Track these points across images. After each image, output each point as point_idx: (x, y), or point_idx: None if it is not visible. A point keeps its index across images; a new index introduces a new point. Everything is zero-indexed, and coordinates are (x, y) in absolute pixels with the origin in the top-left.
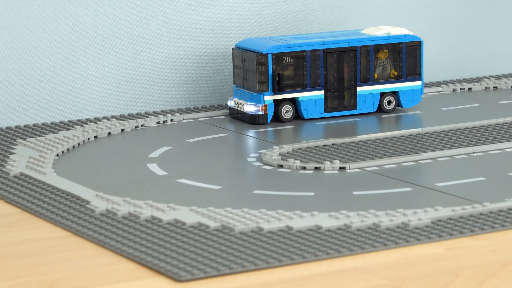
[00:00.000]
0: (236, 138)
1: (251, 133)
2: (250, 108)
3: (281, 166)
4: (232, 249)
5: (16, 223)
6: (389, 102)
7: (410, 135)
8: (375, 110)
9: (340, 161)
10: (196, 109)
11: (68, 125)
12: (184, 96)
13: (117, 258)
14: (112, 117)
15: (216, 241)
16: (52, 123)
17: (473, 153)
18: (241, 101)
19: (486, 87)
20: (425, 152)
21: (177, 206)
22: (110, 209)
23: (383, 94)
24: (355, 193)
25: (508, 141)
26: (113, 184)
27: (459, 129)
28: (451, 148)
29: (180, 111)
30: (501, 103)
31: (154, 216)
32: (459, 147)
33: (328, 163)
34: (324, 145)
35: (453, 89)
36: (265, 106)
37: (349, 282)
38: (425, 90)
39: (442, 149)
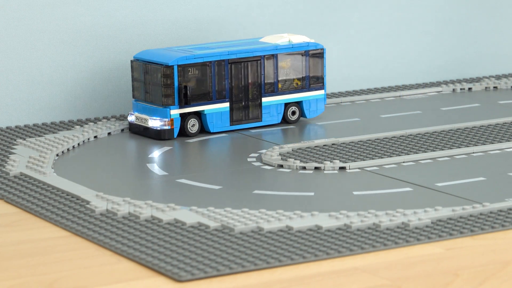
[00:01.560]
0: (236, 138)
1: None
2: (154, 123)
3: (281, 166)
4: (232, 249)
5: (16, 223)
6: (293, 113)
7: (410, 135)
8: (279, 121)
9: (340, 161)
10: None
11: (68, 125)
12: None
13: (117, 258)
14: (112, 117)
15: (216, 241)
16: (52, 123)
17: (473, 153)
18: (144, 116)
19: (486, 87)
20: (425, 152)
21: (177, 206)
22: (110, 209)
23: (287, 105)
24: (355, 193)
25: (508, 141)
26: (113, 184)
27: (459, 129)
28: (451, 148)
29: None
30: (501, 103)
31: (154, 216)
32: (459, 147)
33: (328, 163)
34: (324, 145)
35: (453, 89)
36: (171, 120)
37: (349, 282)
38: (425, 90)
39: (442, 149)
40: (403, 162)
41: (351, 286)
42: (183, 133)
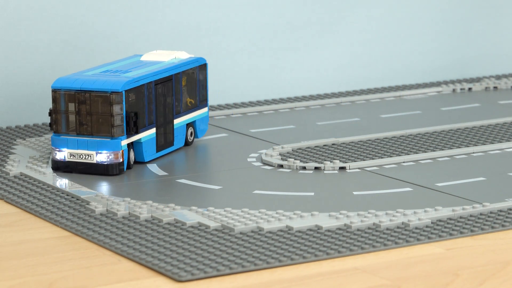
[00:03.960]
0: (236, 138)
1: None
2: (102, 157)
3: (281, 166)
4: (232, 249)
5: (16, 223)
6: (191, 134)
7: (410, 135)
8: (183, 144)
9: (340, 161)
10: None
11: None
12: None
13: (117, 258)
14: None
15: (216, 241)
16: None
17: (473, 153)
18: (84, 151)
19: (486, 87)
20: (425, 152)
21: (177, 206)
22: (110, 209)
23: (187, 126)
24: (355, 193)
25: (508, 141)
26: (113, 184)
27: (459, 129)
28: (451, 148)
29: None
30: (501, 103)
31: (154, 216)
32: (459, 147)
33: (328, 163)
34: (324, 145)
35: (453, 89)
36: (122, 152)
37: (349, 282)
38: (425, 90)
39: (442, 149)
40: (403, 162)
41: (351, 286)
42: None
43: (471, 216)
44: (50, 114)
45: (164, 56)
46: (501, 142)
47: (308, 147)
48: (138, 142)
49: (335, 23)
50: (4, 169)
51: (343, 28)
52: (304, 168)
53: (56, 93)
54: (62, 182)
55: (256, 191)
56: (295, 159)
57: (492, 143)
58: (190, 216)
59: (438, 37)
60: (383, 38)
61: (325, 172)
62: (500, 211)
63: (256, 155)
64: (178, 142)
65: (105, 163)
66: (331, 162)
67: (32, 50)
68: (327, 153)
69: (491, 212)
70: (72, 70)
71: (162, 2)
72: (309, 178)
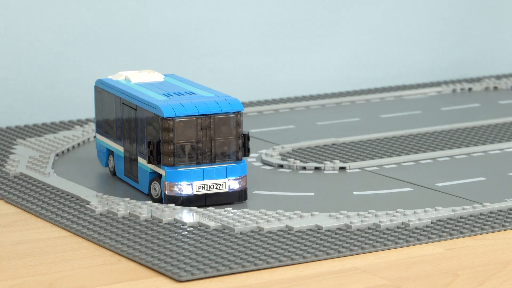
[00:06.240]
0: None
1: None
2: (234, 184)
3: (281, 166)
4: (232, 249)
5: (16, 223)
6: None
7: (410, 135)
8: None
9: (340, 161)
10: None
11: (68, 125)
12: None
13: (117, 258)
14: None
15: (216, 241)
16: (52, 123)
17: (473, 153)
18: (214, 181)
19: (486, 87)
20: (425, 152)
21: (177, 206)
22: (110, 209)
23: None
24: (355, 193)
25: (508, 141)
26: (113, 184)
27: (459, 129)
28: (451, 148)
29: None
30: (501, 103)
31: (154, 216)
32: (459, 147)
33: (328, 163)
34: (324, 145)
35: (453, 89)
36: (245, 176)
37: (349, 282)
38: (425, 90)
39: (442, 149)
40: (403, 162)
41: (351, 286)
42: None
43: (471, 216)
44: (155, 146)
45: (155, 76)
46: (501, 142)
47: (308, 147)
48: None
49: (335, 23)
50: (4, 169)
51: (343, 28)
52: (304, 168)
53: (173, 121)
54: (62, 182)
55: (256, 191)
56: (295, 159)
57: (492, 143)
58: (190, 216)
59: (438, 37)
60: (383, 38)
61: (325, 172)
62: (500, 211)
63: (256, 155)
64: None
65: (237, 190)
66: (331, 162)
67: (32, 50)
68: (327, 153)
69: (491, 212)
70: (73, 70)
71: (162, 2)
72: (309, 178)
